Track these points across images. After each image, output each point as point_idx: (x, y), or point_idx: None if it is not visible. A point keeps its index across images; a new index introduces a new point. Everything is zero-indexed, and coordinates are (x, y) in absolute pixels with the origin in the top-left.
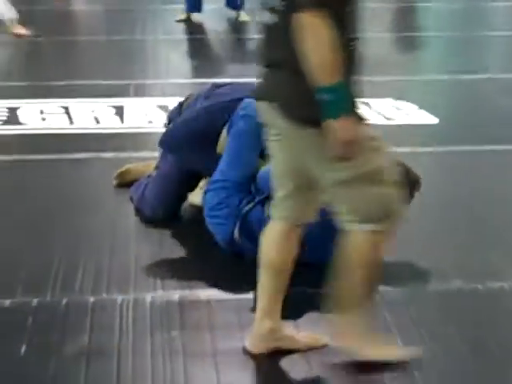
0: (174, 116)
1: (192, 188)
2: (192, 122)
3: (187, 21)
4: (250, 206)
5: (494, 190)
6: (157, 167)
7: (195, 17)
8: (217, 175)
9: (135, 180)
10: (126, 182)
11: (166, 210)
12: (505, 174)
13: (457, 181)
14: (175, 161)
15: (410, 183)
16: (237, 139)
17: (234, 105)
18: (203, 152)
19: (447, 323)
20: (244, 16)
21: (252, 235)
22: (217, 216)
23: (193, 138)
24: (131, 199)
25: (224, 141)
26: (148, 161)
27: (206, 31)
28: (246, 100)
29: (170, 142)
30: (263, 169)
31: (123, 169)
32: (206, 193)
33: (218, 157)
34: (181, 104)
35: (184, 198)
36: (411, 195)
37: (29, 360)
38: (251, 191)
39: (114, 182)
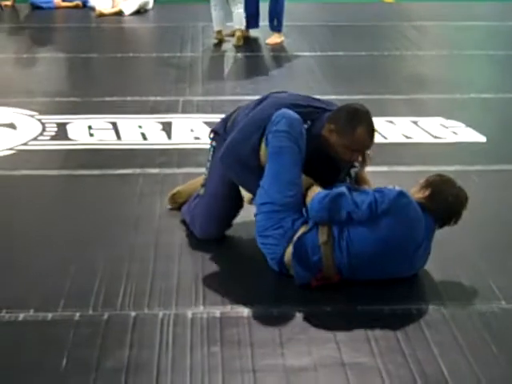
0: (218, 129)
1: (240, 204)
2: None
3: (220, 42)
4: (305, 229)
5: None
6: (203, 185)
7: (252, 33)
8: (263, 197)
9: (187, 201)
10: (178, 205)
11: (217, 230)
12: None
13: (504, 200)
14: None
15: (458, 202)
16: (274, 158)
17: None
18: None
19: (490, 344)
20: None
21: (304, 261)
22: (269, 236)
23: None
24: (184, 222)
25: (264, 153)
26: (195, 178)
27: (258, 48)
28: (278, 113)
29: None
30: (317, 193)
31: (174, 191)
32: (256, 215)
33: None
34: (225, 119)
35: (235, 215)
36: (459, 214)
37: (69, 374)
38: (302, 213)
39: (168, 206)
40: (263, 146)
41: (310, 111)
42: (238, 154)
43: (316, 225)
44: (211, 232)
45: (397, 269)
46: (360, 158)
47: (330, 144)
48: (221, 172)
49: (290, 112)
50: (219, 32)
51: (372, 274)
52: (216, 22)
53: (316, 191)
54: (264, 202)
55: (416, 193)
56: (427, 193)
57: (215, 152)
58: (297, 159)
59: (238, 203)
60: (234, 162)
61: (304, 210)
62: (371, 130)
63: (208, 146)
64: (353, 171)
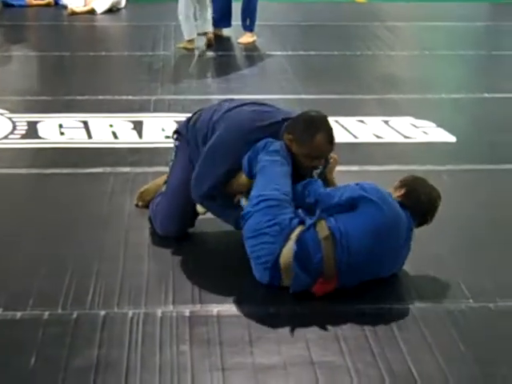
0: (181, 129)
1: None
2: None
3: (189, 49)
4: (302, 228)
5: (509, 209)
6: (165, 182)
7: (225, 32)
8: (256, 199)
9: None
10: (146, 203)
11: (176, 227)
12: None
13: (474, 199)
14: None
15: (432, 200)
16: (267, 168)
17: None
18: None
19: (457, 342)
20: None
21: (305, 261)
22: (265, 233)
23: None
24: (149, 219)
25: (239, 178)
26: (163, 176)
27: (230, 47)
28: (262, 141)
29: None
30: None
31: (142, 189)
32: (246, 217)
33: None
34: (189, 119)
35: (196, 213)
36: (432, 212)
37: (37, 373)
38: (297, 213)
39: (137, 204)
40: (243, 176)
41: (273, 130)
42: (201, 189)
43: (313, 223)
44: (171, 229)
45: (387, 265)
46: (322, 162)
47: (291, 153)
48: (181, 172)
49: (273, 140)
50: (191, 41)
51: (366, 272)
52: (188, 32)
53: None
54: (258, 201)
55: (392, 192)
56: (402, 191)
57: (177, 152)
58: (287, 172)
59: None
60: (202, 197)
61: (299, 210)
62: (330, 136)
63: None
64: (315, 173)
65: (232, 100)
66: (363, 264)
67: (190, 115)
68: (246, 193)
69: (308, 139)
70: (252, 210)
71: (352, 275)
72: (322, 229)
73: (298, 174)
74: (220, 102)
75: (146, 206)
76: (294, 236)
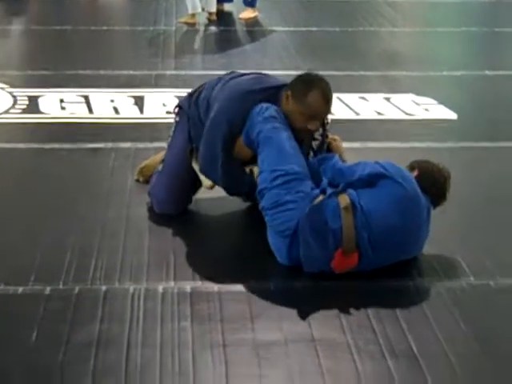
0: (183, 104)
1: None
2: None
3: (190, 24)
4: (323, 197)
5: (508, 187)
6: (162, 161)
7: (226, 7)
8: (272, 174)
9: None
10: (146, 179)
11: (174, 206)
12: None
13: (475, 177)
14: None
15: (445, 178)
16: (271, 139)
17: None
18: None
19: (458, 320)
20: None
21: (320, 231)
22: (287, 202)
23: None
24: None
25: (240, 144)
26: (163, 151)
27: (231, 22)
28: (258, 106)
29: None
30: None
31: (142, 165)
32: (262, 193)
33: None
34: (191, 94)
35: (193, 190)
36: (446, 190)
37: (39, 347)
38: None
39: (138, 179)
40: (241, 140)
41: (269, 93)
42: (211, 156)
43: (334, 192)
44: (168, 208)
45: (408, 245)
46: (317, 126)
47: (287, 113)
48: (177, 151)
49: (269, 104)
50: (193, 16)
51: (388, 252)
52: (192, 5)
53: None
54: (274, 176)
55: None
56: (415, 173)
57: (176, 127)
58: (291, 138)
59: (196, 180)
60: (213, 167)
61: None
62: (326, 95)
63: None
64: (314, 144)
65: (232, 72)
66: (384, 242)
67: (191, 90)
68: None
69: (303, 95)
70: (269, 185)
71: (373, 254)
72: (344, 199)
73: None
74: (221, 76)
75: (147, 181)
76: (316, 202)
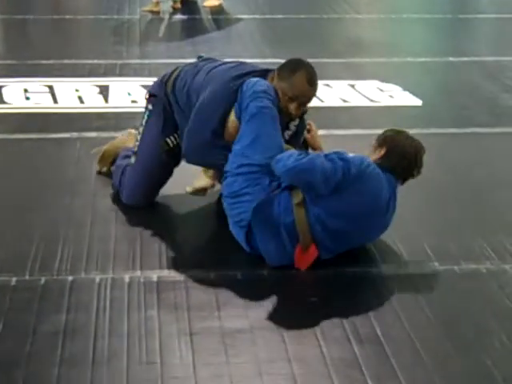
0: (157, 92)
1: (171, 173)
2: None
3: (155, 12)
4: (278, 190)
5: (474, 172)
6: (135, 153)
7: None
8: (239, 159)
9: (115, 159)
10: (109, 166)
11: (147, 198)
12: (486, 157)
13: (439, 163)
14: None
15: (416, 151)
16: (254, 119)
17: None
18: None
19: (423, 305)
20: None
21: (269, 223)
22: (245, 193)
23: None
24: (113, 185)
25: (233, 125)
26: (121, 137)
27: (196, 10)
28: (249, 80)
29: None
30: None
31: (100, 153)
32: (226, 175)
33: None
34: (163, 81)
35: (164, 183)
36: (419, 164)
37: (5, 338)
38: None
39: (98, 168)
40: (233, 117)
41: (256, 76)
42: (199, 143)
43: (288, 187)
44: (139, 200)
45: (370, 232)
46: (299, 109)
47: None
48: (151, 142)
49: (261, 79)
50: (157, 4)
51: (348, 242)
52: None
53: None
54: (241, 163)
55: (371, 155)
56: (383, 151)
57: (150, 116)
58: (276, 121)
59: (168, 172)
60: (199, 152)
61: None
62: (311, 77)
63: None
64: (287, 134)
65: (209, 59)
66: (343, 233)
67: (161, 77)
68: None
69: (289, 75)
70: (234, 171)
71: (333, 244)
72: (297, 195)
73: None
74: (196, 63)
75: (109, 170)
76: (272, 195)
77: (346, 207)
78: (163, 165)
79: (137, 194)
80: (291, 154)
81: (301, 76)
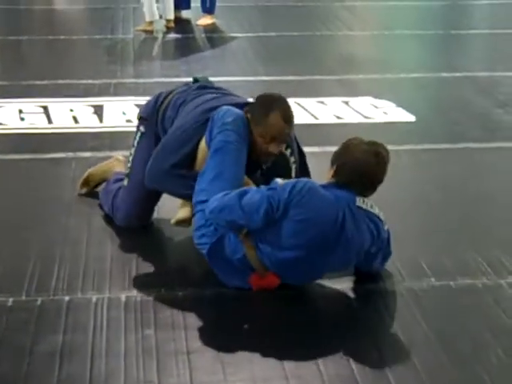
0: (148, 116)
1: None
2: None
3: (148, 31)
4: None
5: (468, 188)
6: (127, 175)
7: (184, 14)
8: (200, 195)
9: (101, 182)
10: (91, 189)
11: (141, 220)
12: (480, 172)
13: (432, 178)
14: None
15: (366, 163)
16: (218, 154)
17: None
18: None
19: (419, 320)
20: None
21: (225, 261)
22: (203, 235)
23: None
24: (100, 206)
25: (202, 153)
26: (109, 160)
27: (190, 29)
28: (221, 109)
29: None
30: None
31: (85, 176)
32: (194, 214)
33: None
34: (155, 104)
35: (157, 203)
36: (373, 175)
37: (2, 358)
38: None
39: (80, 191)
40: (203, 145)
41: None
42: (158, 170)
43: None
44: (134, 222)
45: (334, 258)
46: (279, 148)
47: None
48: (144, 165)
49: (233, 108)
50: (151, 23)
51: (308, 272)
52: (150, 13)
53: None
54: (201, 200)
55: (327, 174)
56: (332, 171)
57: (141, 139)
58: (240, 156)
59: (161, 193)
60: (157, 179)
61: None
62: (286, 114)
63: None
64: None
65: (201, 87)
66: (296, 267)
67: (152, 97)
68: None
69: (263, 117)
70: (195, 207)
71: (290, 274)
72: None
73: (254, 162)
74: (188, 88)
75: (90, 192)
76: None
77: (289, 237)
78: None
79: (131, 216)
80: (218, 196)
81: (275, 116)
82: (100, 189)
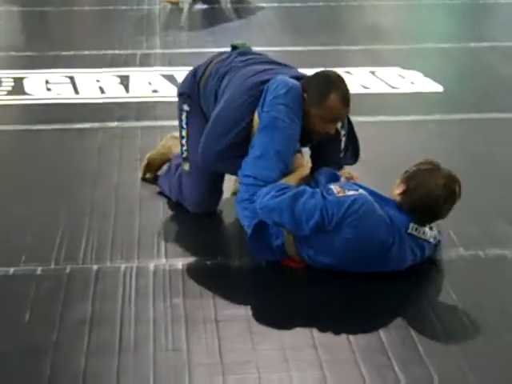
0: (190, 92)
1: None
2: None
3: (174, 3)
4: None
5: (496, 158)
6: (186, 159)
7: None
8: (246, 169)
9: (162, 164)
10: (155, 172)
11: (213, 201)
12: (508, 143)
13: (462, 148)
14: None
15: (433, 198)
16: (266, 130)
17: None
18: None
19: (449, 290)
20: None
21: (263, 241)
22: (246, 208)
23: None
24: (163, 193)
25: (257, 126)
26: (167, 142)
27: (217, 0)
28: (275, 79)
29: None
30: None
31: (145, 162)
32: (241, 183)
33: None
34: (194, 79)
35: (223, 180)
36: (436, 211)
37: (32, 327)
38: None
39: (143, 175)
40: (256, 117)
41: None
42: (215, 152)
43: None
44: (208, 207)
45: (366, 271)
46: (334, 129)
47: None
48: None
49: (288, 79)
50: None
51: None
52: None
53: (293, 179)
54: (247, 174)
55: (394, 188)
56: (401, 189)
57: (189, 118)
58: (290, 133)
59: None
60: (214, 160)
61: None
62: (345, 98)
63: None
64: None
65: (242, 55)
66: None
67: (189, 73)
68: None
69: (321, 99)
70: (241, 180)
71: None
72: None
73: (306, 138)
74: (229, 56)
75: (155, 177)
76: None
77: (332, 248)
78: None
79: (205, 201)
80: (271, 189)
81: (334, 99)
82: (161, 172)
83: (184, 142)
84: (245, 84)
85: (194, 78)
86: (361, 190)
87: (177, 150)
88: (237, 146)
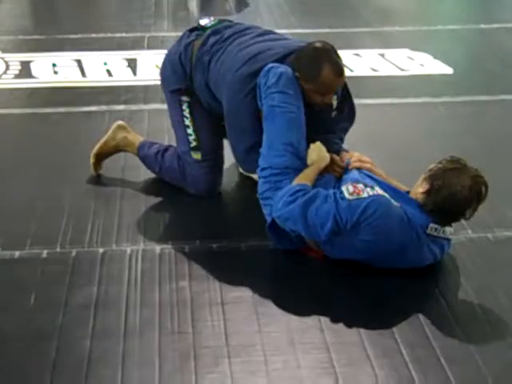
0: (182, 85)
1: None
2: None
3: None
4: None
5: (506, 140)
6: (196, 148)
7: None
8: (262, 162)
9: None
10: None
11: (220, 184)
12: None
13: (471, 130)
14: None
15: (458, 199)
16: (268, 120)
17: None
18: None
19: (458, 273)
20: None
21: (284, 236)
22: (269, 197)
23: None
24: (152, 170)
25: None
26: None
27: None
28: (265, 69)
29: None
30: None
31: (93, 160)
32: (259, 178)
33: None
34: (180, 72)
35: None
36: (461, 212)
37: (37, 311)
38: None
39: (95, 172)
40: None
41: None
42: (244, 156)
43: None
44: (217, 187)
45: (383, 266)
46: (332, 97)
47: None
48: (209, 128)
49: (275, 66)
50: None
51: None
52: None
53: (312, 172)
54: (263, 167)
55: (417, 186)
56: (425, 188)
57: (191, 106)
58: (291, 116)
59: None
60: (250, 161)
61: None
62: (337, 68)
63: None
64: (333, 114)
65: (218, 33)
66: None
67: (171, 64)
68: None
69: (313, 74)
70: (259, 175)
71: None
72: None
73: (311, 111)
74: (206, 39)
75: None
76: None
77: (349, 246)
78: (222, 140)
79: (216, 187)
80: (285, 193)
81: (327, 73)
82: (141, 152)
83: (190, 131)
84: (237, 77)
85: (181, 70)
86: (376, 188)
87: (133, 137)
88: (254, 145)
